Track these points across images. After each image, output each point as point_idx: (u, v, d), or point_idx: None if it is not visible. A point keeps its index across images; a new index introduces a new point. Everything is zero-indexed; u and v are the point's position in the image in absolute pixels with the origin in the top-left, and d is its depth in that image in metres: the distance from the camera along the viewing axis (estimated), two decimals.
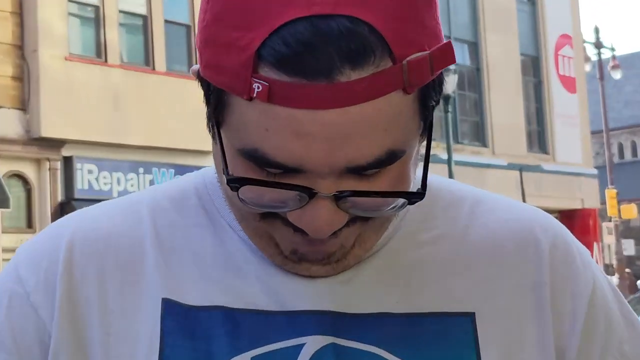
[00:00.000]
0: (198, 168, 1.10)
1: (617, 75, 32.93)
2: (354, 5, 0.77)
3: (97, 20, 15.30)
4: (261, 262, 0.94)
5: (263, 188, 0.82)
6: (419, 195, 0.84)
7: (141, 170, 15.27)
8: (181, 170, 12.97)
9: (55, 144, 14.52)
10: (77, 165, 14.87)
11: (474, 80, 23.55)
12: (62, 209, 13.87)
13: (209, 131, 0.88)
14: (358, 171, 0.81)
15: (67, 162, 14.86)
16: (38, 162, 14.68)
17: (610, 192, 28.62)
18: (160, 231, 0.96)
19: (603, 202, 27.85)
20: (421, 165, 0.90)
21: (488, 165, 21.52)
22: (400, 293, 0.94)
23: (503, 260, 0.97)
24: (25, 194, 14.61)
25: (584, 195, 25.87)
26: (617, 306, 1.01)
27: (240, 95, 0.78)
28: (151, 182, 14.66)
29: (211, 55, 0.81)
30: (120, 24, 15.62)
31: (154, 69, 15.90)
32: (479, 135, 22.91)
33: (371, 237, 0.91)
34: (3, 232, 13.94)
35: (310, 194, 0.80)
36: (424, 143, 0.89)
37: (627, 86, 49.96)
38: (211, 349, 0.90)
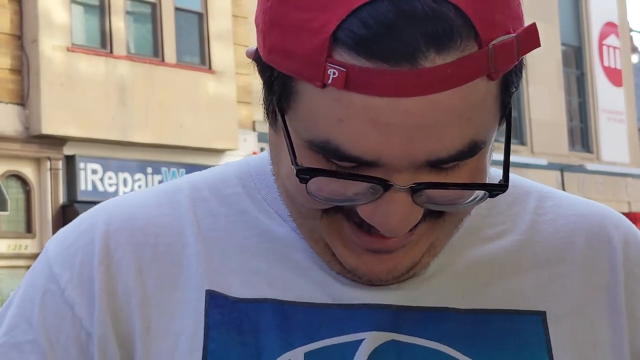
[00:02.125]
0: (209, 167, 1.12)
1: None
2: None
3: (101, 8, 15.07)
4: (312, 251, 0.95)
5: (333, 181, 0.82)
6: (502, 187, 0.85)
7: (149, 170, 15.11)
8: (192, 170, 12.39)
9: (57, 142, 14.36)
10: (80, 164, 14.67)
11: None
12: (64, 212, 14.05)
13: (267, 119, 0.89)
14: (437, 164, 0.81)
15: (70, 161, 14.67)
16: (38, 161, 14.55)
17: None
18: (201, 221, 0.97)
19: None
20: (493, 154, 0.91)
21: (527, 165, 20.97)
22: (466, 289, 0.94)
23: (574, 257, 0.97)
24: (24, 195, 14.48)
25: (631, 197, 25.58)
26: None
27: (312, 81, 0.78)
28: (160, 182, 13.60)
29: (277, 39, 0.81)
30: (127, 12, 15.42)
31: (163, 60, 15.63)
32: (517, 133, 22.30)
33: (442, 241, 0.91)
34: (0, 238, 14.00)
35: (385, 186, 0.80)
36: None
37: None
38: (261, 343, 0.90)
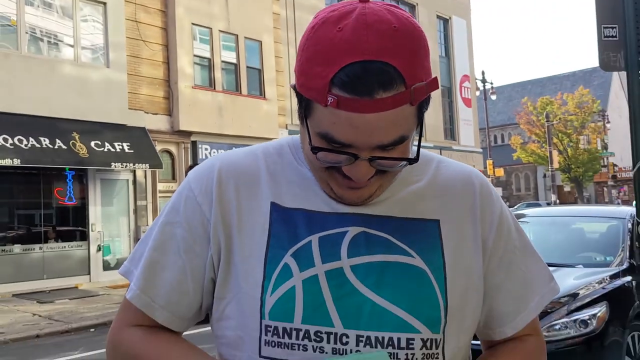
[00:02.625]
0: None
1: (494, 97, 33.96)
2: (387, 55, 0.78)
3: (209, 66, 15.69)
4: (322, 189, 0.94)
5: (330, 153, 0.84)
6: (415, 160, 0.86)
7: (233, 148, 12.41)
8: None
9: (187, 134, 15.03)
10: (199, 146, 15.16)
11: None
12: (190, 168, 11.09)
13: (299, 121, 0.89)
14: (383, 147, 0.83)
15: (194, 144, 15.24)
16: (177, 144, 15.12)
17: (489, 162, 29.25)
18: (269, 165, 0.97)
19: (485, 167, 28.76)
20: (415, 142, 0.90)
21: (423, 147, 20.36)
22: (400, 207, 0.94)
23: (455, 192, 0.98)
24: (170, 161, 14.92)
25: (475, 163, 26.12)
26: (513, 221, 1.02)
27: (320, 103, 0.81)
28: None
29: (304, 80, 0.83)
30: (222, 68, 15.85)
31: (240, 92, 16.02)
32: (424, 131, 21.27)
33: (386, 185, 0.92)
34: (160, 182, 14.42)
35: (356, 157, 0.83)
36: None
37: (499, 103, 54.14)
38: (296, 230, 0.91)
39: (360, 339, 0.88)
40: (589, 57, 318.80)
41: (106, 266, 13.51)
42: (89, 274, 13.23)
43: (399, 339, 0.88)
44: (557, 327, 4.20)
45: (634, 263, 5.13)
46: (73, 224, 13.57)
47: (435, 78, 0.84)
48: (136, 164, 13.32)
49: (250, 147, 1.04)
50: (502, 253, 1.00)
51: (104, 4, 13.68)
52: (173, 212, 0.98)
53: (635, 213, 5.36)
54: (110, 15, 13.73)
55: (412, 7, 24.04)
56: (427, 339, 0.90)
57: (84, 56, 13.43)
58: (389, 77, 0.80)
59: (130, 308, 0.99)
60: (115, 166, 12.96)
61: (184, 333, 1.03)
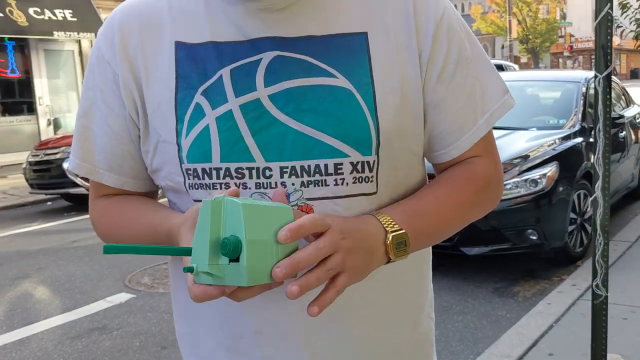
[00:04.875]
0: None
1: None
2: None
3: None
4: (231, 10, 0.88)
5: None
6: None
7: None
8: None
9: None
10: None
11: None
12: None
13: None
14: None
15: None
16: None
17: None
18: (172, 2, 0.92)
19: None
20: None
21: None
22: (320, 23, 0.87)
23: None
24: None
25: None
26: (461, 29, 0.93)
27: None
28: None
29: None
30: None
31: None
32: None
33: None
34: None
35: None
36: None
37: None
38: (205, 67, 0.87)
39: (285, 170, 0.84)
40: None
41: None
42: None
43: (326, 165, 0.84)
44: (509, 186, 4.36)
45: (585, 126, 5.27)
46: (19, 97, 13.28)
47: None
48: (81, 33, 12.94)
49: None
50: (441, 65, 0.89)
51: None
52: (90, 76, 0.95)
53: (590, 76, 5.50)
54: None
55: None
56: (357, 162, 0.85)
57: None
58: None
59: (92, 182, 0.99)
60: (58, 35, 12.59)
61: None
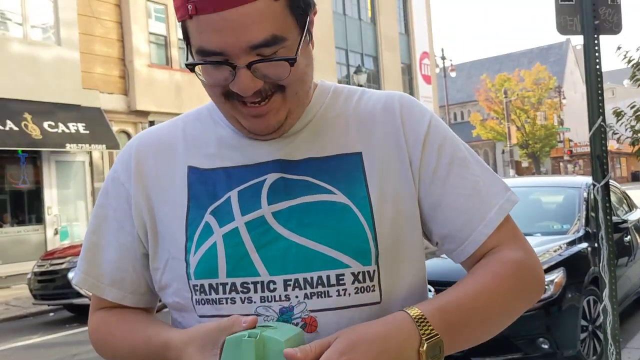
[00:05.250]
0: None
1: (453, 74, 35.29)
2: None
3: (165, 44, 15.64)
4: (240, 139, 0.93)
5: (211, 70, 0.83)
6: (293, 59, 0.82)
7: None
8: None
9: (144, 114, 14.96)
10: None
11: (376, 78, 23.87)
12: None
13: (187, 51, 0.85)
14: (258, 48, 0.80)
15: (151, 123, 14.76)
16: (135, 124, 15.02)
17: None
18: (186, 131, 0.97)
19: None
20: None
21: None
22: (320, 145, 0.92)
23: (375, 120, 0.94)
24: (128, 141, 13.92)
25: None
26: (449, 135, 0.96)
27: (185, 17, 0.81)
28: None
29: (174, 5, 0.84)
30: (179, 47, 15.63)
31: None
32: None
33: (294, 109, 0.89)
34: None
35: (233, 66, 0.81)
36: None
37: (458, 81, 55.05)
38: (215, 189, 0.91)
39: (288, 282, 0.85)
40: (544, 35, 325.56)
41: None
42: None
43: (328, 277, 0.86)
44: None
45: (589, 230, 5.23)
46: (28, 208, 13.39)
47: None
48: (92, 145, 13.20)
49: (171, 119, 1.04)
50: (433, 168, 0.93)
51: None
52: (104, 194, 1.00)
53: (590, 183, 5.51)
54: None
55: None
56: (359, 272, 0.87)
57: (33, 34, 13.15)
58: None
59: (94, 295, 1.02)
60: (70, 147, 12.83)
61: None
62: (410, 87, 26.13)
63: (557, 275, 4.47)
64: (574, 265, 4.70)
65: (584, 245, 5.03)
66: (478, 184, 0.94)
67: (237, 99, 0.86)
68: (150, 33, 15.34)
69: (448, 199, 0.92)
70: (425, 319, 0.80)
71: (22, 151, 12.57)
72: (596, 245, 3.34)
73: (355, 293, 0.86)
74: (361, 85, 17.34)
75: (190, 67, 0.83)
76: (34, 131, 12.23)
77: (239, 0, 0.78)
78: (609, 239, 2.40)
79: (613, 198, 5.73)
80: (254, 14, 0.79)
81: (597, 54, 2.76)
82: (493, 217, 0.93)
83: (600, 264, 2.38)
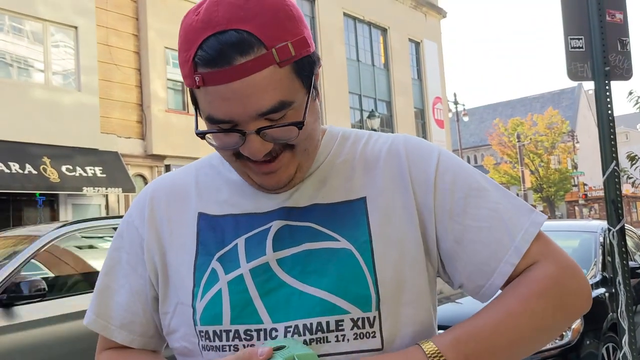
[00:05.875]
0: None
1: (466, 118, 34.63)
2: (238, 22, 0.78)
3: (182, 90, 15.64)
4: (249, 188, 0.94)
5: (221, 136, 0.84)
6: (300, 123, 0.82)
7: None
8: None
9: (160, 157, 15.11)
10: (173, 168, 11.62)
11: (389, 122, 24.01)
12: None
13: (196, 115, 0.88)
14: (267, 115, 0.81)
15: (167, 167, 15.25)
16: (151, 168, 15.14)
17: None
18: (199, 179, 0.99)
19: None
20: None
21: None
22: (326, 192, 0.93)
23: (380, 164, 0.94)
24: (144, 185, 12.65)
25: None
26: (462, 168, 0.94)
27: (193, 86, 0.82)
28: None
29: (181, 71, 0.84)
30: None
31: None
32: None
33: (304, 163, 0.90)
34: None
35: (242, 132, 0.82)
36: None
37: (471, 125, 55.19)
38: (224, 236, 0.92)
39: (289, 329, 0.86)
40: (556, 80, 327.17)
41: None
42: None
43: (327, 323, 0.85)
44: None
45: (606, 276, 5.14)
46: None
47: (304, 37, 0.82)
48: (109, 188, 13.25)
49: (186, 165, 1.06)
50: (450, 207, 0.91)
51: (75, 28, 13.66)
52: (118, 238, 1.02)
53: (605, 227, 5.44)
54: (82, 39, 13.72)
55: (384, 31, 24.45)
56: (358, 319, 0.86)
57: (55, 80, 13.42)
58: (243, 42, 0.79)
59: (101, 336, 1.03)
60: (87, 190, 12.89)
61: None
62: (423, 131, 26.20)
63: (575, 322, 4.30)
64: (591, 311, 4.23)
65: (602, 290, 4.92)
66: (499, 212, 0.91)
67: (248, 159, 0.88)
68: (168, 79, 15.45)
69: (469, 234, 0.91)
70: (440, 354, 0.80)
71: (40, 194, 12.62)
72: (613, 290, 3.39)
73: (354, 339, 0.86)
74: (374, 130, 17.21)
75: (201, 135, 0.84)
76: (52, 175, 12.39)
77: (246, 72, 0.79)
78: (627, 284, 2.36)
79: (630, 242, 5.64)
80: (261, 83, 0.80)
81: (608, 100, 2.76)
82: (519, 244, 0.90)
83: (619, 310, 2.33)
